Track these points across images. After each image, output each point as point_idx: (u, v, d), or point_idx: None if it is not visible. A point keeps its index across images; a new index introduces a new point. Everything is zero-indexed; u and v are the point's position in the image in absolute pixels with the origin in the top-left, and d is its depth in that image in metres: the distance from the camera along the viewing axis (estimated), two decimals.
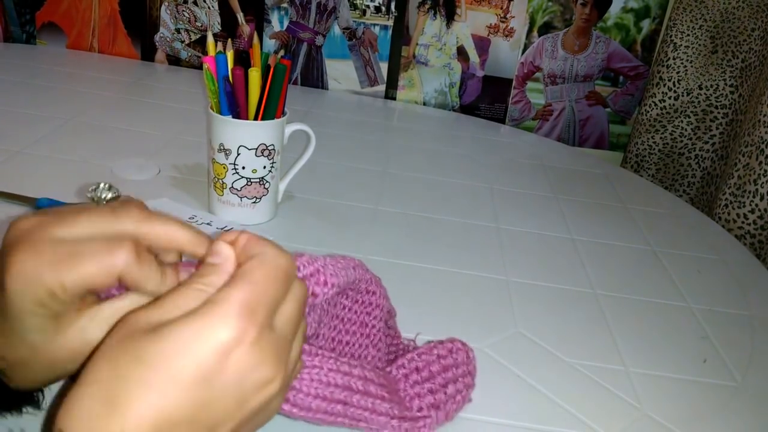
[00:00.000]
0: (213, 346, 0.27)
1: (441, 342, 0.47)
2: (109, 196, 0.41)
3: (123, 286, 0.33)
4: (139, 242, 0.32)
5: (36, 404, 0.37)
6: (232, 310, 0.28)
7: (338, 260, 0.42)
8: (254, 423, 0.31)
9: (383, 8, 1.13)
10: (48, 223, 0.32)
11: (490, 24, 1.12)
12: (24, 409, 0.36)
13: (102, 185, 0.40)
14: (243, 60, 0.64)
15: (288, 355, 0.31)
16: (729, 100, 1.02)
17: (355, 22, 1.14)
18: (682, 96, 1.05)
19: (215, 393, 0.27)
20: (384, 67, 1.17)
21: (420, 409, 0.44)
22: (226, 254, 0.32)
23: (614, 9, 1.09)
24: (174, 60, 1.20)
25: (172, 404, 0.26)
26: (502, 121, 1.18)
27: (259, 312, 0.29)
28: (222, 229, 0.67)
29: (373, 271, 0.46)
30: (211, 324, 0.27)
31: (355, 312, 0.46)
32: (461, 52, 1.15)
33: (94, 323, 0.32)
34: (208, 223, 0.68)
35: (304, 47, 1.17)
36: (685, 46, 1.02)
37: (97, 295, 0.34)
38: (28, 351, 0.32)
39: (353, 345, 0.46)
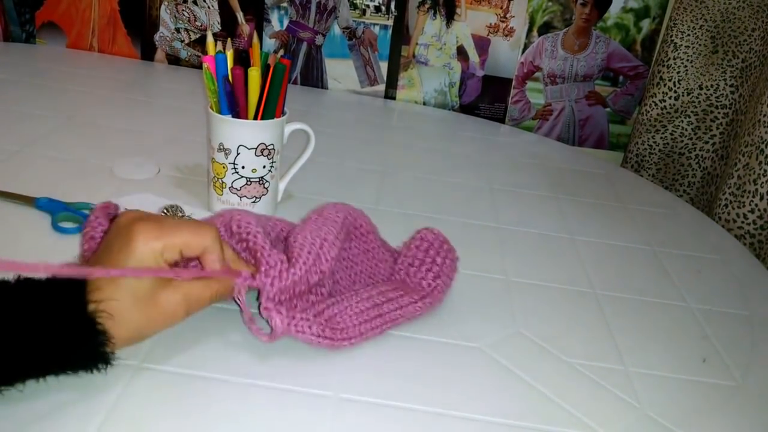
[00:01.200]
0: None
1: (413, 237, 0.60)
2: (181, 214, 0.65)
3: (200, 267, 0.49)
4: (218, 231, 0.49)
5: (108, 361, 0.44)
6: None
7: (330, 229, 0.54)
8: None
9: (383, 8, 1.13)
10: (152, 214, 0.49)
11: (490, 24, 1.12)
12: (97, 366, 0.43)
13: (176, 206, 0.65)
14: (243, 59, 0.64)
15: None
16: (729, 100, 1.02)
17: (355, 21, 1.14)
18: (683, 96, 1.05)
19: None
20: (384, 66, 1.17)
21: (429, 285, 0.57)
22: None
23: (614, 9, 1.09)
24: (174, 59, 1.20)
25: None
26: (502, 120, 1.18)
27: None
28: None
29: (352, 207, 0.59)
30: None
31: (356, 247, 0.58)
32: (461, 52, 1.15)
33: (177, 292, 0.46)
34: (188, 216, 0.67)
35: (304, 47, 1.17)
36: (685, 46, 1.02)
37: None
38: (132, 298, 0.43)
39: (365, 270, 0.59)
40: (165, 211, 0.64)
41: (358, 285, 0.57)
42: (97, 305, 0.42)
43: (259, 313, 0.49)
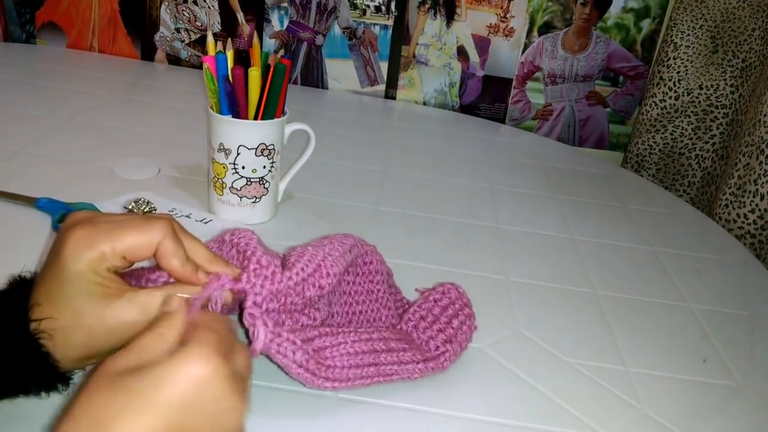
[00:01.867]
0: (192, 377, 0.31)
1: (433, 288, 0.53)
2: (146, 208, 0.53)
3: (156, 275, 0.42)
4: (173, 224, 0.41)
5: (66, 382, 0.39)
6: (206, 348, 0.32)
7: (336, 246, 0.47)
8: None
9: (383, 8, 1.13)
10: (98, 214, 0.40)
11: (490, 24, 1.12)
12: (56, 387, 0.39)
13: (142, 199, 0.55)
14: (243, 59, 0.64)
15: (246, 391, 0.34)
16: (729, 100, 1.02)
17: (355, 21, 1.14)
18: (683, 96, 1.05)
19: (192, 419, 0.30)
20: (384, 66, 1.17)
21: (437, 348, 0.50)
22: (176, 304, 0.36)
23: (614, 9, 1.09)
24: (174, 59, 1.20)
25: (154, 427, 0.29)
26: (502, 120, 1.18)
27: (226, 352, 0.33)
28: (200, 221, 0.68)
29: (365, 241, 0.52)
30: (189, 359, 0.31)
31: (360, 284, 0.51)
32: (461, 52, 1.15)
33: (132, 306, 0.38)
34: (187, 216, 0.68)
35: (304, 47, 1.17)
36: (685, 46, 1.02)
37: (136, 282, 0.42)
38: (72, 317, 0.37)
39: (366, 312, 0.52)
40: (130, 206, 0.55)
41: (353, 326, 0.51)
42: (37, 324, 0.37)
43: (239, 320, 0.43)
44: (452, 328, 0.51)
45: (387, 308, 0.53)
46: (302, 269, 0.44)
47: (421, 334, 0.50)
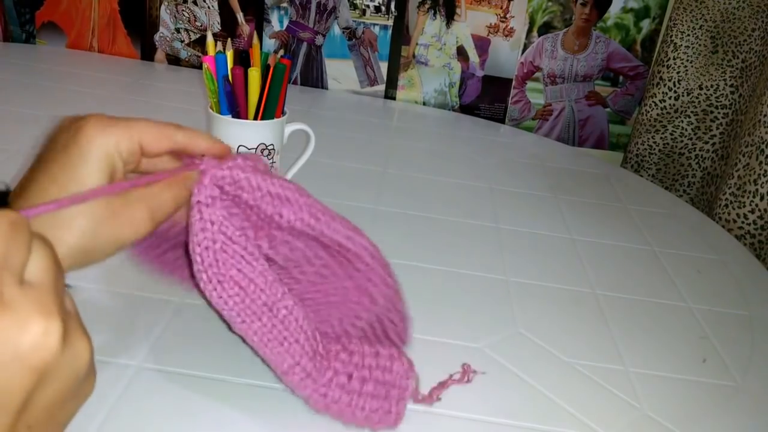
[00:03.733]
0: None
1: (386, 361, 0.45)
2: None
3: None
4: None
5: None
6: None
7: (337, 220, 0.43)
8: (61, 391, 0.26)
9: (383, 8, 1.13)
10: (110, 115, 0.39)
11: (490, 24, 1.12)
12: None
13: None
14: (243, 60, 0.64)
15: (56, 299, 0.26)
16: (729, 100, 1.02)
17: (355, 21, 1.14)
18: (683, 96, 1.05)
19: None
20: (384, 66, 1.17)
21: (328, 382, 0.42)
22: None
23: (614, 9, 1.09)
24: (174, 60, 1.20)
25: None
26: (502, 121, 1.18)
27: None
28: None
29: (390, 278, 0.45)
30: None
31: (340, 271, 0.45)
32: (461, 52, 1.15)
33: (141, 207, 0.39)
34: None
35: (304, 47, 1.17)
36: (685, 46, 1.02)
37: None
38: (87, 217, 0.37)
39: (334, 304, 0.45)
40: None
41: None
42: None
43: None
44: (359, 389, 0.43)
45: (359, 307, 0.46)
46: (281, 187, 0.40)
47: (334, 361, 0.43)
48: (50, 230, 0.34)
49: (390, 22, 1.14)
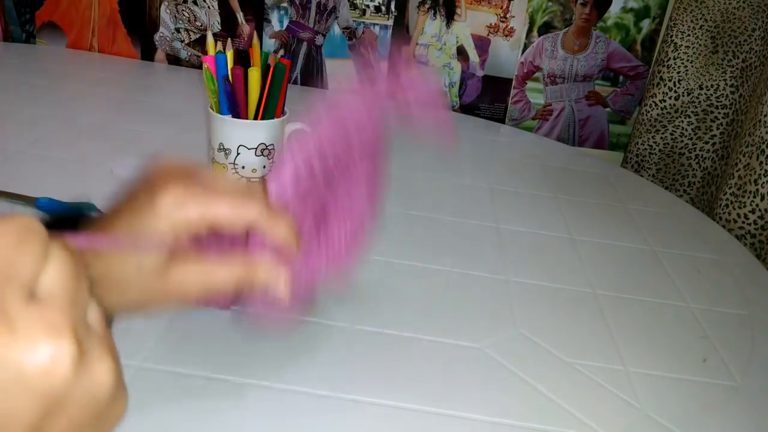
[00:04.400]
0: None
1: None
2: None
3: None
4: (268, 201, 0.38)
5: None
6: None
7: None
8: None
9: (383, 8, 1.13)
10: (195, 170, 0.38)
11: (490, 24, 1.12)
12: None
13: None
14: (243, 59, 0.64)
15: (70, 317, 0.23)
16: (729, 100, 1.02)
17: (355, 21, 1.14)
18: (683, 96, 1.05)
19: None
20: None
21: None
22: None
23: (614, 9, 1.09)
24: (174, 59, 1.20)
25: None
26: (502, 121, 1.18)
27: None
28: None
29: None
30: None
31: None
32: (461, 52, 1.15)
33: (195, 275, 0.36)
34: None
35: (304, 47, 1.17)
36: (685, 46, 1.02)
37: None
38: (134, 269, 0.35)
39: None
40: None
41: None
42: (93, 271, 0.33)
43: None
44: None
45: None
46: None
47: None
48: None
49: (390, 22, 1.14)
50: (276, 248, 0.38)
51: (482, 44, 1.14)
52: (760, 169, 0.85)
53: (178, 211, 0.35)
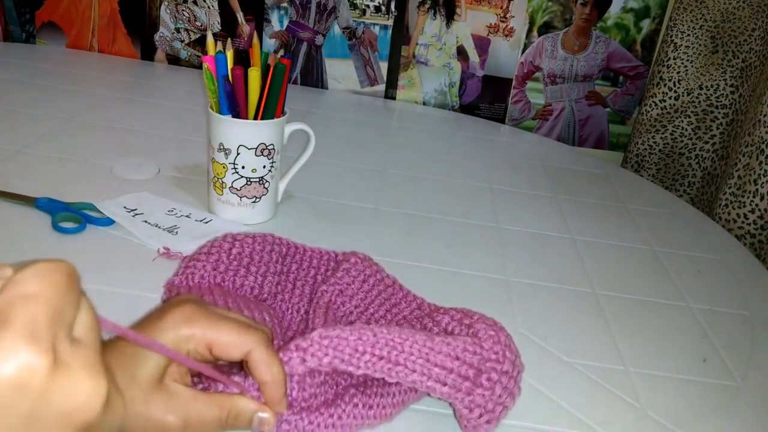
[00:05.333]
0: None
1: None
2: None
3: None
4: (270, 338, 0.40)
5: None
6: (12, 338, 0.23)
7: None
8: None
9: (383, 8, 1.13)
10: (208, 303, 0.41)
11: (490, 24, 1.12)
12: None
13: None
14: (243, 59, 0.64)
15: (101, 359, 0.27)
16: (729, 100, 1.02)
17: (355, 21, 1.14)
18: (683, 96, 1.05)
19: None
20: (384, 66, 1.17)
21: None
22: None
23: (614, 9, 1.09)
24: (174, 59, 1.20)
25: None
26: (502, 120, 1.18)
27: (47, 330, 0.24)
28: (200, 220, 0.67)
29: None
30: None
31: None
32: (461, 52, 1.15)
33: (176, 412, 0.36)
34: (187, 215, 0.68)
35: (304, 47, 1.17)
36: (685, 46, 1.02)
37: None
38: (127, 384, 0.35)
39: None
40: None
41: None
42: None
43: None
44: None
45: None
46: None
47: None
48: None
49: (390, 22, 1.14)
50: (262, 389, 0.39)
51: (482, 44, 1.14)
52: (760, 169, 0.85)
53: (184, 325, 0.37)
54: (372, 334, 0.41)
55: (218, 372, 0.39)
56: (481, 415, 0.43)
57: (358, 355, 0.41)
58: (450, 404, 0.45)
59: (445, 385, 0.42)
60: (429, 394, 0.44)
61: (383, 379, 0.42)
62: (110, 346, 0.36)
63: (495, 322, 0.46)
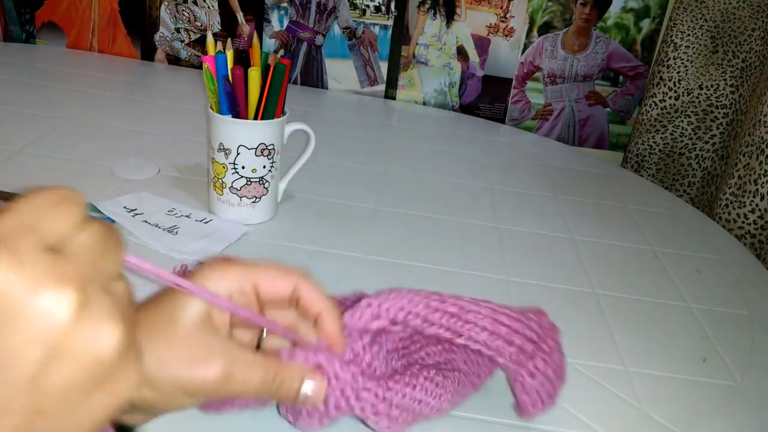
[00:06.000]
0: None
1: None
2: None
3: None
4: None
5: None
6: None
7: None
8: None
9: (383, 8, 1.13)
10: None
11: (490, 24, 1.12)
12: None
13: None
14: (243, 59, 0.64)
15: (81, 271, 0.23)
16: (729, 100, 1.02)
17: (355, 21, 1.14)
18: (683, 96, 1.05)
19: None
20: (384, 66, 1.17)
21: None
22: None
23: (614, 9, 1.09)
24: (174, 59, 1.20)
25: None
26: (502, 120, 1.18)
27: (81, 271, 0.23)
28: (200, 220, 0.67)
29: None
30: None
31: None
32: (461, 52, 1.15)
33: (222, 352, 0.34)
34: (187, 215, 0.68)
35: (304, 47, 1.17)
36: (685, 46, 1.02)
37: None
38: (165, 336, 0.33)
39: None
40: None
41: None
42: None
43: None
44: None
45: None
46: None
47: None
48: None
49: (390, 22, 1.14)
50: (319, 324, 0.37)
51: (482, 44, 1.14)
52: (760, 169, 0.85)
53: (224, 267, 0.35)
54: (439, 296, 0.41)
55: (268, 320, 0.37)
56: (542, 384, 0.43)
57: (431, 312, 0.40)
58: (507, 375, 0.45)
59: (512, 345, 0.42)
60: (488, 370, 0.46)
61: (444, 363, 0.42)
62: (143, 307, 0.35)
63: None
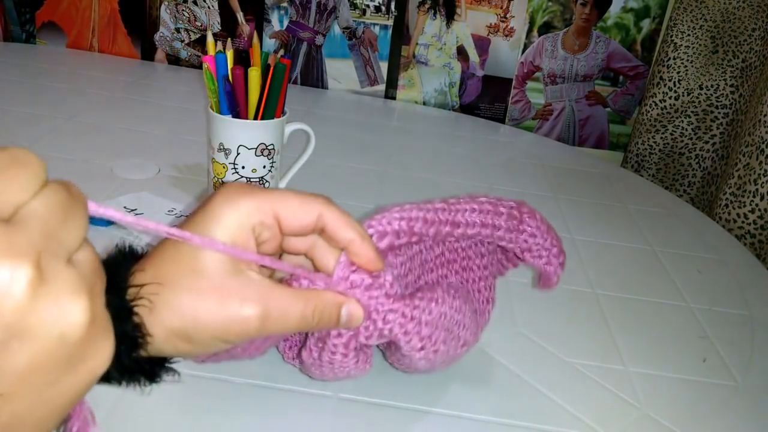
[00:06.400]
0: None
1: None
2: None
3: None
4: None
5: (152, 375, 0.33)
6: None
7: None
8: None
9: (383, 8, 1.13)
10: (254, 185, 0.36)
11: (490, 24, 1.12)
12: (138, 378, 0.32)
13: None
14: (243, 59, 0.64)
15: (34, 242, 0.21)
16: (729, 100, 1.02)
17: (355, 21, 1.14)
18: (683, 96, 1.05)
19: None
20: (384, 66, 1.17)
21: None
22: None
23: (614, 9, 1.09)
24: (174, 59, 1.20)
25: None
26: (502, 120, 1.18)
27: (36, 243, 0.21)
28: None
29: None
30: None
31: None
32: (461, 52, 1.15)
33: (253, 301, 0.32)
34: (187, 216, 0.67)
35: (304, 47, 1.17)
36: (685, 46, 1.02)
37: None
38: (189, 280, 0.32)
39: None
40: None
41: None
42: (137, 291, 0.31)
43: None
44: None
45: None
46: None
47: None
48: (150, 311, 0.30)
49: (390, 22, 1.14)
50: (350, 250, 0.36)
51: (482, 44, 1.14)
52: (760, 169, 0.85)
53: (241, 198, 0.33)
54: (423, 202, 0.46)
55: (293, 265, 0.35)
56: (548, 263, 0.49)
57: (425, 212, 0.44)
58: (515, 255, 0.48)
59: (501, 215, 0.45)
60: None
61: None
62: (157, 260, 0.32)
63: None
